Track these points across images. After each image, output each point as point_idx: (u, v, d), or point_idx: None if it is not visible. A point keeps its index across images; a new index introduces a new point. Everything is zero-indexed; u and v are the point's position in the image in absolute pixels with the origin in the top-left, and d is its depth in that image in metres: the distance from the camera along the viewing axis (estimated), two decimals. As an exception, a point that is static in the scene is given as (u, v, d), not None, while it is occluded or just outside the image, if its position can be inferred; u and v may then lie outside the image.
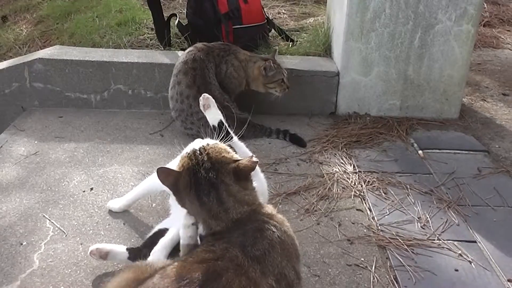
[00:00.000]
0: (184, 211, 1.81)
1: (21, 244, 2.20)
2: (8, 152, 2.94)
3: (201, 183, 1.49)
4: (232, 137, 1.95)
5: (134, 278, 1.44)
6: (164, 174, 1.55)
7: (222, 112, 2.06)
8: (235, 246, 1.41)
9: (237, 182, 1.52)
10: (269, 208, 1.61)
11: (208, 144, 1.59)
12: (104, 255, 2.04)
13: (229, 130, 1.99)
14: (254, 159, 1.54)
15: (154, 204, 2.50)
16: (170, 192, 2.19)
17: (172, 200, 2.22)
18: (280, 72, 3.28)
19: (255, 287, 1.34)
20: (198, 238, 1.66)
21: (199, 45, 3.24)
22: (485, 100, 3.92)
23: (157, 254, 2.02)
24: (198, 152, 1.55)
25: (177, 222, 2.08)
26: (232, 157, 1.57)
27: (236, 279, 1.32)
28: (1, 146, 3.00)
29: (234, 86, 3.29)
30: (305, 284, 2.01)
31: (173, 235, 2.06)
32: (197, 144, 1.61)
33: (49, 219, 2.37)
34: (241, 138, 2.03)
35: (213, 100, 2.04)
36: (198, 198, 1.50)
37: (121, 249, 2.08)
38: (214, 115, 2.04)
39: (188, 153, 1.57)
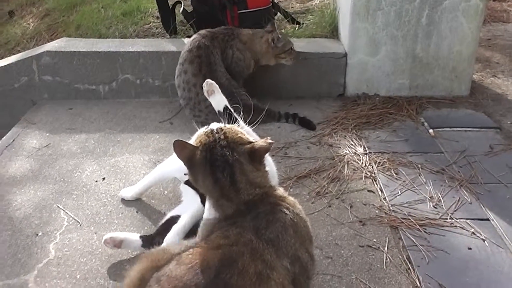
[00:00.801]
0: (195, 197, 1.83)
1: (37, 234, 2.23)
2: (20, 145, 2.97)
3: (216, 159, 1.50)
4: (238, 122, 1.95)
5: (152, 266, 1.46)
6: (180, 147, 1.55)
7: (233, 99, 2.06)
8: (248, 230, 1.41)
9: (251, 162, 1.52)
10: (281, 191, 1.61)
11: (225, 126, 1.60)
12: (118, 244, 2.07)
13: (235, 115, 1.99)
14: (269, 140, 1.54)
15: (166, 192, 2.52)
16: (181, 179, 2.22)
17: (184, 187, 2.24)
18: (288, 41, 3.31)
19: (270, 270, 1.35)
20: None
21: (203, 31, 3.23)
22: (495, 76, 3.88)
23: (170, 241, 2.04)
24: (216, 130, 1.56)
25: (189, 209, 2.10)
26: (247, 139, 1.58)
27: (252, 263, 1.33)
28: (14, 140, 3.02)
29: (241, 69, 3.29)
30: (318, 266, 2.02)
31: (185, 222, 2.08)
32: (214, 125, 1.62)
33: (63, 210, 2.40)
34: (250, 123, 2.03)
35: (217, 86, 2.05)
36: (213, 174, 1.50)
37: (134, 237, 2.10)
38: (218, 101, 2.05)
39: (206, 131, 1.58)
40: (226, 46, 3.22)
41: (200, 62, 3.06)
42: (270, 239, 1.41)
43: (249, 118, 2.09)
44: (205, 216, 1.66)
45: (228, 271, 1.30)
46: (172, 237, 2.05)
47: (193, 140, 1.65)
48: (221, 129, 1.57)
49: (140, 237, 2.10)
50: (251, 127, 1.99)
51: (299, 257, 1.46)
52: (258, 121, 2.01)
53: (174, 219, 2.13)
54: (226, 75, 3.13)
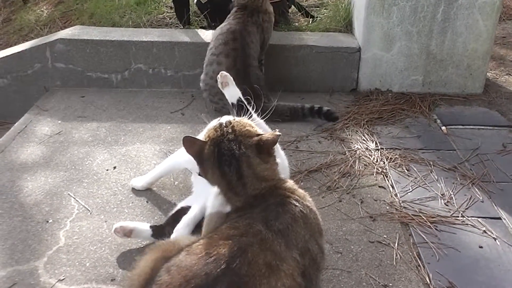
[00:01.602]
0: (206, 188, 1.83)
1: (47, 221, 2.24)
2: (32, 132, 2.98)
3: (223, 153, 1.51)
4: (251, 114, 1.95)
5: (162, 257, 1.46)
6: (189, 142, 1.56)
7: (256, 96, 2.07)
8: (258, 221, 1.41)
9: (259, 155, 1.53)
10: (291, 184, 1.61)
11: (234, 119, 1.60)
12: (128, 233, 2.07)
13: (248, 107, 1.99)
14: (277, 132, 1.54)
15: (176, 182, 2.52)
16: (192, 170, 2.22)
17: (194, 178, 2.24)
18: None
19: (280, 261, 1.35)
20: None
21: (234, 21, 3.21)
22: (510, 74, 3.84)
23: (180, 231, 2.04)
24: (224, 124, 1.57)
25: (200, 200, 2.09)
26: (256, 131, 1.58)
27: (261, 253, 1.33)
28: (26, 126, 3.03)
29: (270, 35, 3.35)
30: (327, 260, 2.02)
31: (195, 213, 2.08)
32: (224, 118, 1.62)
33: (74, 197, 2.40)
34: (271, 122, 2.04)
35: (231, 78, 2.05)
36: (220, 168, 1.51)
37: (144, 226, 2.10)
38: (232, 93, 2.05)
39: (215, 126, 1.59)
40: (258, 24, 3.24)
41: (236, 56, 3.07)
42: (280, 230, 1.41)
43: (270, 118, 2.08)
44: (209, 210, 1.66)
45: (238, 261, 1.30)
46: (182, 228, 2.05)
47: (203, 134, 1.66)
48: (230, 123, 1.57)
49: (150, 227, 2.10)
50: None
51: (309, 249, 1.46)
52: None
53: (184, 210, 2.13)
54: (257, 70, 3.14)
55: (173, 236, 2.03)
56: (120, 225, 2.07)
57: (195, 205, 2.12)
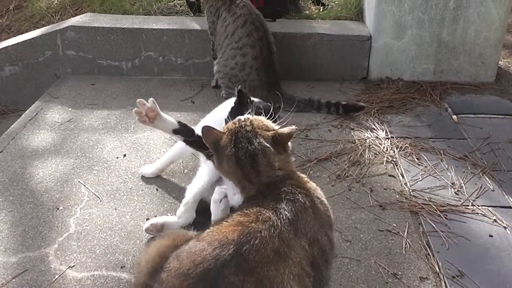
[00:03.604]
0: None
1: (58, 208, 2.26)
2: (43, 119, 2.99)
3: (240, 141, 1.53)
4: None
5: (172, 245, 1.48)
6: (208, 132, 1.60)
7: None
8: (268, 209, 1.42)
9: (274, 147, 1.54)
10: (303, 176, 1.62)
11: (253, 116, 1.64)
12: (160, 228, 2.07)
13: (189, 126, 2.11)
14: (293, 127, 1.57)
15: (186, 170, 2.52)
16: (201, 156, 2.23)
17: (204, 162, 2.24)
18: None
19: (288, 249, 1.35)
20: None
21: (241, 11, 3.19)
22: (522, 63, 3.81)
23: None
24: (243, 119, 1.61)
25: (202, 177, 2.12)
26: (273, 127, 1.61)
27: (270, 240, 1.33)
28: (36, 114, 3.05)
29: None
30: (337, 249, 2.02)
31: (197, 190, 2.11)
32: (242, 116, 1.66)
33: (84, 185, 2.42)
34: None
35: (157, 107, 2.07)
36: (236, 155, 1.53)
37: (173, 219, 2.09)
38: (168, 121, 2.10)
39: (233, 120, 1.63)
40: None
41: (262, 46, 3.10)
42: (289, 219, 1.42)
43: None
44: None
45: (246, 247, 1.31)
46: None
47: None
48: (249, 119, 1.61)
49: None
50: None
51: (318, 240, 1.46)
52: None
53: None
54: (277, 60, 3.19)
55: (181, 209, 2.07)
56: (150, 223, 2.08)
57: (196, 181, 2.14)
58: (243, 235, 1.33)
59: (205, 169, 2.14)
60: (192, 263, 1.30)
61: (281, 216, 1.41)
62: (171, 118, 2.10)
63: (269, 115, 1.88)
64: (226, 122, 2.03)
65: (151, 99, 2.05)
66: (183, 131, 2.09)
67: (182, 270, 1.30)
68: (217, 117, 2.26)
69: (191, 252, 1.35)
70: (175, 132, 2.09)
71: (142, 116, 2.05)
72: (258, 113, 1.99)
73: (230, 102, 2.14)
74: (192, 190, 2.10)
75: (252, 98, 2.13)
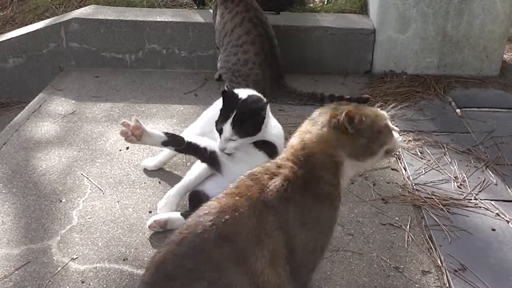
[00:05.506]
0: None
1: (61, 201, 2.26)
2: (46, 111, 3.00)
3: None
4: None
5: None
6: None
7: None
8: (255, 190, 1.43)
9: None
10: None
11: None
12: (163, 225, 2.07)
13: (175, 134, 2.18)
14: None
15: (188, 163, 2.52)
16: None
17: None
18: None
19: (265, 232, 1.36)
20: None
21: (238, 8, 3.16)
22: (527, 57, 3.79)
23: (171, 198, 2.13)
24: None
25: (193, 172, 2.18)
26: None
27: (249, 219, 1.36)
28: (40, 106, 3.05)
29: None
30: (339, 242, 2.02)
31: (186, 182, 2.15)
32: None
33: (86, 177, 2.42)
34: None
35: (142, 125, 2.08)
36: None
37: (176, 215, 2.09)
38: (155, 134, 2.11)
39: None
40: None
41: (262, 41, 3.09)
42: (273, 206, 1.40)
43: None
44: None
45: (223, 217, 1.34)
46: (173, 196, 2.15)
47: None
48: None
49: (181, 214, 2.09)
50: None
51: (299, 237, 1.44)
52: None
53: (199, 194, 2.13)
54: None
55: (162, 201, 2.12)
56: (153, 220, 2.07)
57: (188, 175, 2.16)
58: (225, 206, 1.38)
59: (198, 165, 2.16)
60: (180, 233, 1.37)
61: (267, 199, 1.43)
62: (157, 131, 2.11)
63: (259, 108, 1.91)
64: (216, 124, 2.05)
65: (134, 117, 2.07)
66: (172, 141, 2.10)
67: (172, 240, 1.37)
68: (209, 117, 2.30)
69: (185, 225, 1.42)
70: (164, 144, 2.11)
71: (128, 136, 2.05)
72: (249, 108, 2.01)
73: (219, 103, 2.13)
74: (178, 184, 2.15)
75: (245, 90, 2.13)
